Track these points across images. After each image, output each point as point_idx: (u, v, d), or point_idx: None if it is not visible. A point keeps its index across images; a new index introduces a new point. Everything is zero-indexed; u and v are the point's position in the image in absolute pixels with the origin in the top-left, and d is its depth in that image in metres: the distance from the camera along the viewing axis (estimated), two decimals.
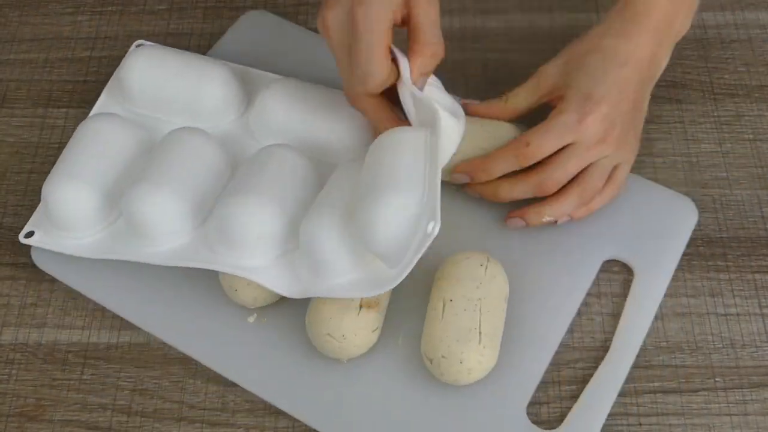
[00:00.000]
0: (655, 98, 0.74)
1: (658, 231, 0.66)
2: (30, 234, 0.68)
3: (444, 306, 0.60)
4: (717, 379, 0.62)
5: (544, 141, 0.63)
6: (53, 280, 0.68)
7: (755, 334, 0.64)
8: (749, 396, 0.61)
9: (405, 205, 0.57)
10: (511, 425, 0.59)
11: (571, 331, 0.63)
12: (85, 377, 0.64)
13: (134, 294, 0.66)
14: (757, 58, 0.77)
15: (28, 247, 0.68)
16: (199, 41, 0.80)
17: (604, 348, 0.62)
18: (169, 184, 0.63)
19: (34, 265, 0.68)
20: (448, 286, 0.61)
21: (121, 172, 0.67)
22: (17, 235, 0.68)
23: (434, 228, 0.56)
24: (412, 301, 0.64)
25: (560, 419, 0.60)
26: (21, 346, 0.66)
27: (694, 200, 0.68)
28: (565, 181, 0.64)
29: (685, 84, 0.75)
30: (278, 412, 0.61)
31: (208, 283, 0.65)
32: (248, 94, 0.73)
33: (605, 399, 0.60)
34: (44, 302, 0.67)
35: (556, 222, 0.65)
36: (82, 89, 0.78)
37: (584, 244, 0.66)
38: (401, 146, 0.61)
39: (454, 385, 0.60)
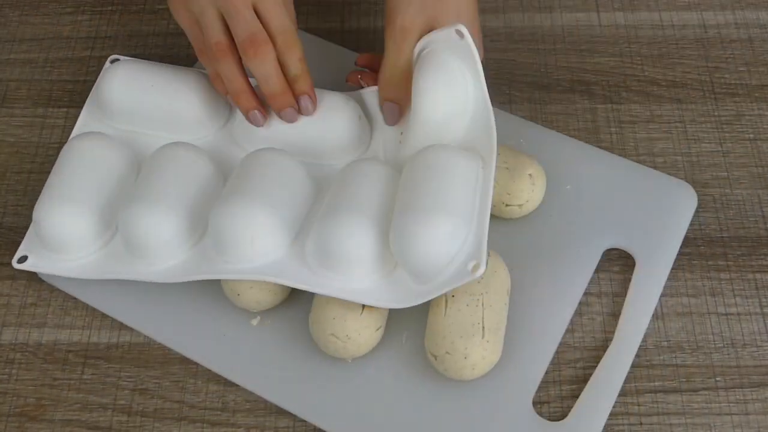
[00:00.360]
0: (655, 98, 0.75)
1: (658, 217, 0.67)
2: (23, 259, 0.67)
3: (446, 302, 0.60)
4: (718, 379, 0.62)
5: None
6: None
7: (756, 334, 0.64)
8: (750, 395, 0.61)
9: (452, 231, 0.58)
10: (518, 419, 0.59)
11: (571, 330, 0.63)
12: (85, 377, 0.64)
13: (138, 300, 0.65)
14: (757, 57, 0.77)
15: None
16: None
17: (605, 347, 0.62)
18: (165, 201, 0.63)
19: None
20: None
21: (111, 190, 0.66)
22: (17, 235, 0.68)
23: (478, 269, 0.57)
24: None
25: (562, 417, 0.60)
26: (21, 346, 0.65)
27: None
28: None
29: (686, 83, 0.75)
30: (279, 412, 0.61)
31: (211, 288, 0.65)
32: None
33: (610, 390, 0.60)
34: (44, 302, 0.67)
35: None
36: (82, 89, 0.78)
37: (585, 234, 0.66)
38: (451, 170, 0.61)
39: (459, 381, 0.60)
